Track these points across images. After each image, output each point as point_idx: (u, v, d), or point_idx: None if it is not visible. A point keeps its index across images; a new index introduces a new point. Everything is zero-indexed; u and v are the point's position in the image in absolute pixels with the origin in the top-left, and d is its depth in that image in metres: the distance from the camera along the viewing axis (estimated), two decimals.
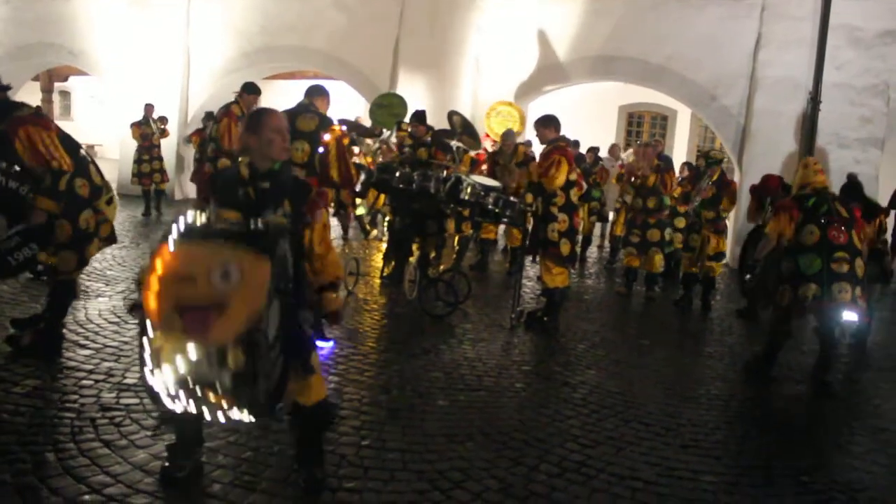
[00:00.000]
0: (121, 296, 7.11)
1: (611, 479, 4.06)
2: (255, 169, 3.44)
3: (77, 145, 5.38)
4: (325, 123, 6.31)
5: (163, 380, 2.95)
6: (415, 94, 13.43)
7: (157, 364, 2.94)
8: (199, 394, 2.92)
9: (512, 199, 7.28)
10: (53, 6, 17.04)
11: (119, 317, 6.37)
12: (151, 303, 2.91)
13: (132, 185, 13.95)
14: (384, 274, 8.97)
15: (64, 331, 5.61)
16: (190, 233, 3.01)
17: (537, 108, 14.45)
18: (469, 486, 3.83)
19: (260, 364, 2.89)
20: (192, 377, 2.90)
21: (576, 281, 10.00)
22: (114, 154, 16.92)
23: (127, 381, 4.87)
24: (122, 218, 12.54)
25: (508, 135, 10.44)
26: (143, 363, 3.01)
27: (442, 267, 8.71)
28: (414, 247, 8.24)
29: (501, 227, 10.72)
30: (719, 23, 12.66)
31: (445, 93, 13.82)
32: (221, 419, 3.00)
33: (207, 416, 3.03)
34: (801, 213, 6.07)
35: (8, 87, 5.22)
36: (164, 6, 15.95)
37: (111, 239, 5.61)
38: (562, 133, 7.27)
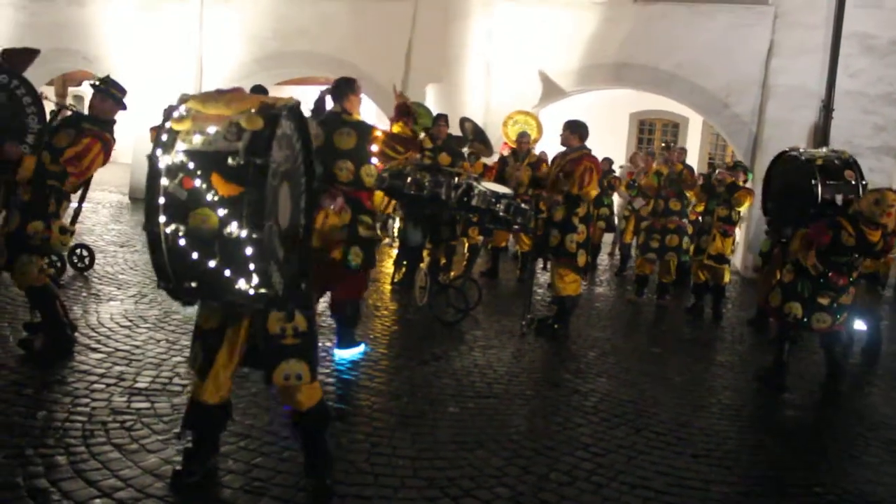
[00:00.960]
0: (132, 299, 7.13)
1: (622, 488, 4.04)
2: None
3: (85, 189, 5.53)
4: (366, 134, 5.66)
5: (171, 163, 2.86)
6: (427, 100, 13.46)
7: (170, 147, 2.87)
8: (206, 181, 2.82)
9: (523, 205, 7.27)
10: (68, 12, 17.18)
11: (130, 320, 6.39)
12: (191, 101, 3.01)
13: None
14: (395, 280, 8.97)
15: (75, 334, 5.64)
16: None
17: (548, 115, 14.45)
18: (479, 494, 3.82)
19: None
20: (207, 149, 2.86)
21: (586, 289, 9.97)
22: (126, 159, 16.99)
23: (138, 385, 4.88)
24: (134, 222, 12.61)
25: (523, 135, 10.47)
26: (155, 147, 2.90)
27: (453, 273, 8.70)
28: (424, 253, 8.24)
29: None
30: (731, 30, 12.63)
31: (457, 99, 13.84)
32: (220, 220, 2.82)
33: (197, 246, 2.86)
34: (828, 243, 5.84)
35: (125, 108, 5.66)
36: (177, 12, 16.05)
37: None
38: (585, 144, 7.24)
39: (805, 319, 6.01)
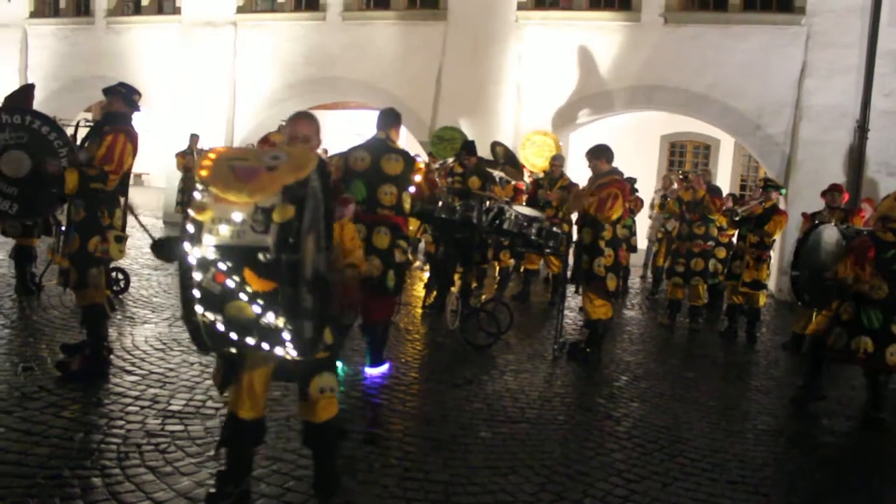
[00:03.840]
0: (166, 323, 7.21)
1: None
2: None
3: (127, 185, 5.67)
4: (411, 164, 5.93)
5: (202, 257, 2.81)
6: (457, 123, 13.53)
7: (197, 239, 2.81)
8: (238, 275, 2.78)
9: (555, 229, 7.25)
10: (106, 40, 17.63)
11: (164, 343, 6.46)
12: (203, 169, 2.86)
13: (175, 213, 14.21)
14: (426, 304, 8.98)
15: (111, 357, 5.72)
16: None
17: (579, 137, 14.46)
18: None
19: (307, 219, 2.86)
20: (236, 243, 2.79)
21: (618, 312, 9.90)
22: (160, 183, 17.29)
23: (172, 407, 4.92)
24: None
25: (557, 158, 10.48)
26: (182, 240, 2.84)
27: (484, 297, 8.69)
28: (455, 276, 8.24)
29: None
30: (762, 51, 12.56)
31: (487, 122, 13.91)
32: (256, 313, 2.81)
33: (236, 329, 2.86)
34: (875, 258, 5.75)
35: (138, 109, 5.81)
36: (212, 39, 16.38)
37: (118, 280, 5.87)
38: (614, 165, 7.20)
39: (878, 352, 5.73)
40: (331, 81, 15.73)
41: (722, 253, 10.14)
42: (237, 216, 2.79)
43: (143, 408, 4.89)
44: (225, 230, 2.80)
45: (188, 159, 13.84)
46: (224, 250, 2.80)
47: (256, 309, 2.80)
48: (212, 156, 2.94)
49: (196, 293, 2.83)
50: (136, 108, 5.76)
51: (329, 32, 15.60)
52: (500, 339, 7.42)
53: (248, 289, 2.79)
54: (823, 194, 8.72)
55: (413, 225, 10.78)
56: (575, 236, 7.54)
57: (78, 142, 5.87)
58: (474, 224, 7.03)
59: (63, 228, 5.73)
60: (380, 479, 4.10)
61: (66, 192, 5.35)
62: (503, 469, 4.40)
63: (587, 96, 13.89)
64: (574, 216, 8.00)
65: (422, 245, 11.46)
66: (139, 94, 5.84)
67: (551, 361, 7.00)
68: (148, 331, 6.86)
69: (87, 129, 5.72)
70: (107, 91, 5.73)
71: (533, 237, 7.03)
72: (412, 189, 5.94)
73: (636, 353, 7.87)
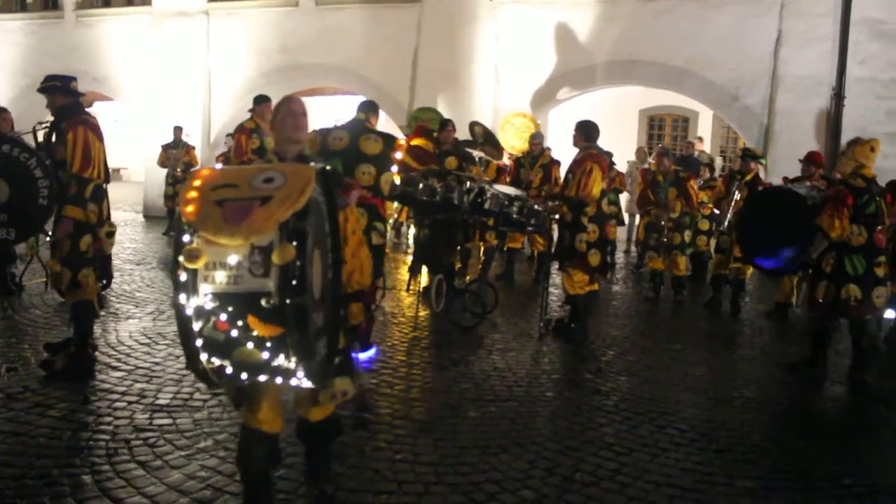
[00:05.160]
0: (151, 317, 7.17)
1: (647, 487, 4.01)
2: (282, 158, 3.37)
3: (108, 173, 5.58)
4: (391, 143, 6.15)
5: (199, 306, 2.57)
6: (435, 105, 13.48)
7: (193, 288, 2.56)
8: (241, 322, 2.55)
9: (536, 207, 7.25)
10: (76, 35, 17.39)
11: (149, 338, 6.42)
12: (188, 206, 2.57)
13: (164, 205, 13.97)
14: (410, 287, 8.97)
15: (96, 353, 5.69)
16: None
17: (558, 115, 14.46)
18: (504, 498, 3.81)
19: (307, 264, 2.58)
20: (234, 289, 2.54)
21: (604, 287, 9.94)
22: (139, 177, 17.14)
23: (159, 401, 4.91)
24: (149, 240, 12.70)
25: (536, 136, 10.48)
26: (177, 291, 2.59)
27: (468, 277, 8.69)
28: (440, 258, 8.22)
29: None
30: (739, 22, 12.58)
31: (465, 103, 13.86)
32: (266, 358, 2.61)
33: (247, 371, 2.66)
34: (853, 207, 5.84)
35: (79, 94, 5.57)
36: (184, 29, 16.20)
37: (104, 276, 5.74)
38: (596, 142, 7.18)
39: (866, 299, 5.85)
40: (306, 68, 15.61)
41: (705, 225, 10.19)
42: (232, 259, 2.54)
43: (130, 403, 4.87)
44: (221, 276, 2.54)
45: (170, 153, 13.60)
46: (222, 298, 2.55)
47: (266, 354, 2.60)
48: (196, 184, 2.64)
49: (199, 342, 2.63)
50: (80, 93, 5.57)
51: (302, 19, 15.47)
52: (486, 319, 7.43)
53: (254, 334, 2.58)
54: (802, 161, 8.75)
55: (404, 214, 10.79)
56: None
57: (40, 140, 5.70)
58: (455, 205, 7.02)
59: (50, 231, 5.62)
60: (370, 464, 4.11)
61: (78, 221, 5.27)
62: (493, 448, 4.42)
63: (565, 73, 13.88)
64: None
65: (412, 231, 11.42)
66: (75, 80, 5.61)
67: (537, 339, 7.03)
68: (132, 326, 6.82)
69: (45, 131, 5.57)
70: (42, 91, 5.48)
71: (515, 216, 7.02)
72: (394, 168, 6.03)
73: (622, 327, 7.91)
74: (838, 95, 11.95)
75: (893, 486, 4.21)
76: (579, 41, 13.64)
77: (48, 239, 5.55)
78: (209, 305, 2.56)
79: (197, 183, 2.67)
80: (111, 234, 5.65)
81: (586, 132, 7.08)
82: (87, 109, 5.65)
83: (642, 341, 7.33)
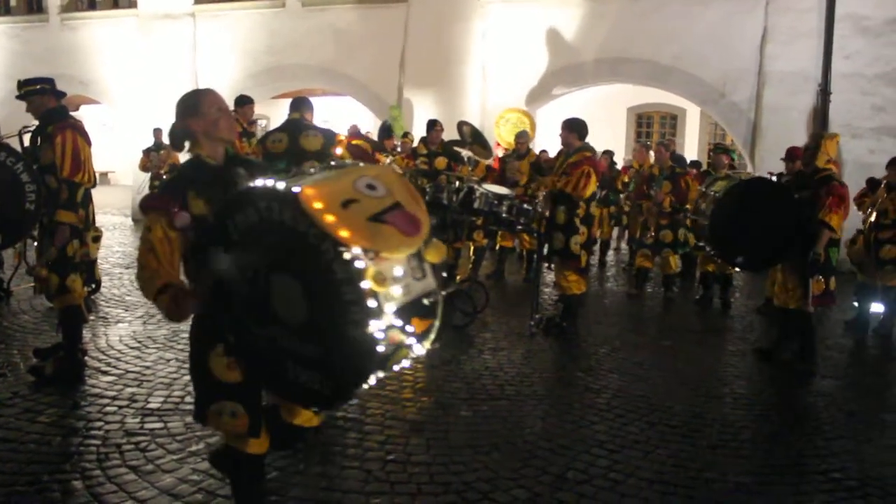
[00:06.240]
0: (140, 321, 7.14)
1: (639, 484, 4.02)
2: (204, 161, 2.99)
3: (95, 177, 5.55)
4: (331, 138, 6.22)
5: (385, 325, 2.44)
6: (422, 105, 13.49)
7: (380, 311, 2.40)
8: (411, 327, 2.55)
9: (525, 206, 7.26)
10: (62, 38, 17.30)
11: (139, 342, 6.39)
12: (342, 231, 2.37)
13: None
14: None
15: (86, 358, 5.65)
16: (299, 176, 2.66)
17: (546, 113, 14.48)
18: (497, 497, 3.81)
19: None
20: (409, 299, 2.55)
21: (595, 285, 9.97)
22: (127, 181, 17.06)
23: (150, 405, 4.89)
24: (138, 244, 12.64)
25: (522, 134, 10.49)
26: (367, 318, 2.39)
27: (459, 277, 8.69)
28: None
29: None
30: (725, 19, 12.64)
31: (453, 102, 13.87)
32: (417, 351, 2.63)
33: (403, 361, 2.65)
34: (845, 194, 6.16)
35: (64, 94, 5.53)
36: (171, 32, 16.14)
37: (91, 280, 5.71)
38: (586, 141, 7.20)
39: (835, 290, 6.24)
40: (293, 69, 15.58)
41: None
42: (398, 271, 2.50)
43: (121, 407, 4.85)
44: (398, 290, 2.48)
45: (153, 157, 13.46)
46: (402, 311, 2.51)
47: (418, 349, 2.65)
48: (319, 207, 2.39)
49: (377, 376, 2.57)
50: (58, 93, 5.50)
51: (289, 20, 15.45)
52: (477, 318, 7.43)
53: (415, 332, 2.60)
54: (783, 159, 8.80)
55: None
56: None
57: (27, 145, 5.67)
58: (445, 205, 7.02)
59: (36, 235, 5.59)
60: (363, 465, 4.10)
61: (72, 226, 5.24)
62: (485, 447, 4.42)
63: (552, 72, 13.90)
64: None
65: None
66: (46, 80, 5.55)
67: (529, 338, 7.03)
68: (122, 330, 6.79)
69: (31, 134, 5.52)
70: (31, 93, 5.38)
71: (504, 215, 7.03)
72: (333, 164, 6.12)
73: (613, 324, 7.93)
74: (824, 91, 12.01)
75: (883, 480, 4.23)
76: (567, 39, 13.66)
77: (35, 244, 5.51)
78: (397, 322, 2.49)
79: (319, 205, 2.40)
80: (97, 239, 5.66)
81: (579, 130, 7.09)
82: (71, 113, 5.62)
83: (633, 338, 7.35)
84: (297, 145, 5.90)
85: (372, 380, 2.56)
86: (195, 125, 2.98)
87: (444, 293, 2.69)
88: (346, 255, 2.36)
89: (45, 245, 5.35)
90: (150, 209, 2.89)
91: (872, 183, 8.09)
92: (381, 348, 2.43)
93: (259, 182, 2.55)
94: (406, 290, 2.54)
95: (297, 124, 6.19)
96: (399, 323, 2.48)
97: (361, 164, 2.87)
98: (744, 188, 6.43)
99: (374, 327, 2.39)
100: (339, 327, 2.46)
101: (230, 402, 2.92)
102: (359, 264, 2.36)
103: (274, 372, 2.72)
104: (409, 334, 2.54)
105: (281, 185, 2.47)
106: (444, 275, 2.61)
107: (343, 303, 2.41)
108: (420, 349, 2.64)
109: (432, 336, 2.69)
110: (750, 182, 6.89)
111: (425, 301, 2.63)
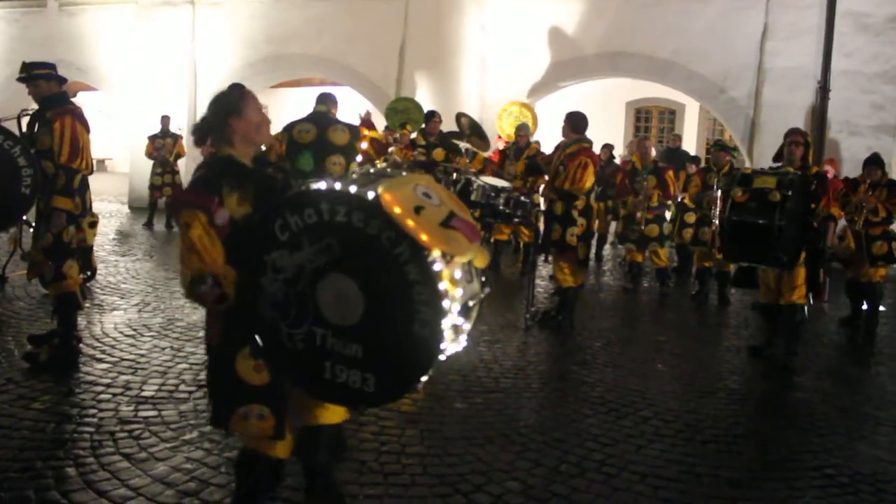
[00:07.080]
0: (136, 309, 7.13)
1: (632, 478, 4.03)
2: (236, 160, 2.95)
3: (93, 164, 5.55)
4: (357, 134, 6.34)
5: (454, 325, 2.64)
6: (421, 96, 13.45)
7: (449, 310, 2.57)
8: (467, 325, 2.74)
9: (523, 198, 7.25)
10: (60, 24, 17.19)
11: (134, 329, 6.39)
12: (423, 235, 2.50)
13: (151, 196, 13.69)
14: None
15: (80, 345, 5.64)
16: (372, 176, 2.84)
17: (545, 106, 14.45)
18: (490, 489, 3.81)
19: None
20: (465, 299, 2.69)
21: (591, 279, 9.97)
22: (124, 168, 17.01)
23: (144, 393, 4.88)
24: (134, 231, 12.61)
25: (522, 127, 10.48)
26: (441, 317, 2.54)
27: None
28: None
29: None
30: (725, 14, 12.61)
31: (452, 94, 13.83)
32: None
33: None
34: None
35: (65, 80, 5.51)
36: (170, 19, 16.06)
37: (87, 267, 5.70)
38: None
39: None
40: (292, 58, 15.53)
41: (691, 217, 10.20)
42: (458, 274, 2.66)
43: (115, 395, 4.84)
44: (459, 292, 2.64)
45: (158, 144, 13.33)
46: (462, 311, 2.67)
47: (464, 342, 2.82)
48: (399, 212, 2.52)
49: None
50: (61, 79, 5.48)
51: (288, 9, 15.37)
52: None
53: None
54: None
55: None
56: (543, 206, 7.56)
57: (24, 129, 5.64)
58: None
59: (32, 221, 5.54)
60: (357, 455, 4.10)
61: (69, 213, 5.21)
62: (479, 439, 4.43)
63: (552, 65, 13.86)
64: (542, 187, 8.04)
65: None
66: (48, 65, 5.52)
67: (524, 331, 7.03)
68: (117, 317, 6.78)
69: (29, 118, 5.50)
70: (37, 77, 5.32)
71: (501, 207, 7.02)
72: (359, 158, 6.20)
73: (609, 318, 7.94)
74: (824, 88, 12.01)
75: (874, 474, 4.25)
76: (566, 33, 13.63)
77: (31, 230, 5.50)
78: (459, 322, 2.66)
79: (399, 210, 2.53)
80: (94, 225, 5.63)
81: (575, 123, 7.09)
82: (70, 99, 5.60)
83: (628, 333, 7.36)
84: (325, 138, 6.00)
85: (425, 377, 2.65)
86: (236, 125, 2.95)
87: (483, 296, 2.83)
88: (429, 258, 2.50)
89: (41, 230, 5.33)
90: (186, 205, 2.83)
91: (850, 183, 8.13)
92: (443, 346, 2.58)
93: (321, 185, 2.63)
94: (464, 291, 2.68)
95: (324, 117, 6.29)
96: (460, 322, 2.64)
97: (405, 173, 2.99)
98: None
99: (445, 326, 2.53)
100: (404, 326, 2.55)
101: (258, 405, 2.89)
102: (437, 266, 2.50)
103: (308, 371, 2.76)
104: (462, 333, 2.69)
105: (352, 189, 2.58)
106: (484, 279, 2.72)
107: (413, 302, 2.53)
108: (458, 347, 2.76)
109: (464, 336, 2.79)
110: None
111: (470, 303, 2.73)
